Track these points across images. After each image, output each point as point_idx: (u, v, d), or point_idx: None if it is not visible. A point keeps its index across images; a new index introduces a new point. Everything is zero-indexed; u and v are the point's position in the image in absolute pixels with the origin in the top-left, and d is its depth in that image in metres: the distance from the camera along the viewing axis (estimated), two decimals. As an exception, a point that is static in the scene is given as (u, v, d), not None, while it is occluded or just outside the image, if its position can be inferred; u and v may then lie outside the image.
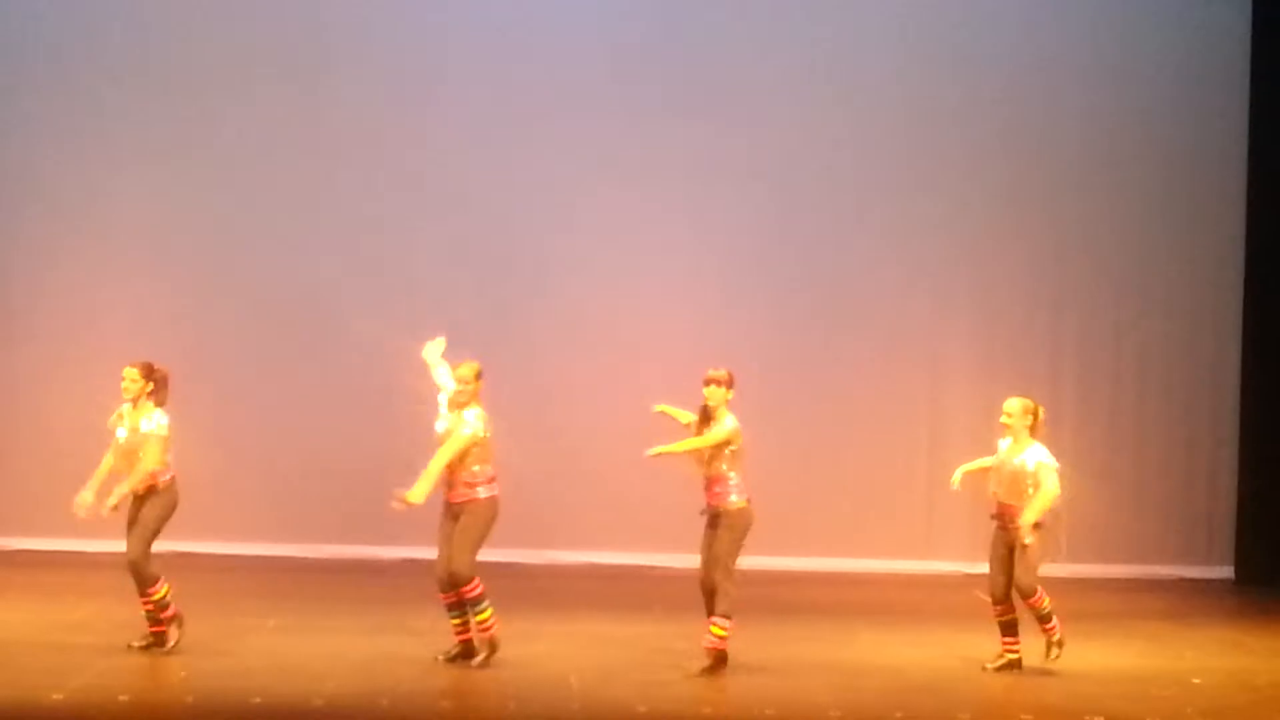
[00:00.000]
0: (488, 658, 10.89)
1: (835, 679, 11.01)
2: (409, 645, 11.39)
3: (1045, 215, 16.81)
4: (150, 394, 11.00)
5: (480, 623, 10.90)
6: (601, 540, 16.24)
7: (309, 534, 16.23)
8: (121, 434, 10.96)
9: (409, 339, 15.93)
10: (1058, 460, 11.22)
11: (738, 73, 16.68)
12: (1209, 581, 16.45)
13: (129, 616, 11.15)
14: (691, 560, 11.21)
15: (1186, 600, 15.29)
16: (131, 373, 11.01)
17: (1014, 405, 11.28)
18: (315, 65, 16.59)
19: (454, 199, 16.60)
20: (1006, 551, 11.19)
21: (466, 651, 10.98)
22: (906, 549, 16.55)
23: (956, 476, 11.49)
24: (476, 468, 10.80)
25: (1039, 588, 11.11)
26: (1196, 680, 11.22)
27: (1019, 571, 11.09)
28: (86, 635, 11.26)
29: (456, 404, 10.89)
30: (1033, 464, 11.12)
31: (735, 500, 10.97)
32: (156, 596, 10.91)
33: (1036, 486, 11.06)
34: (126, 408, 11.01)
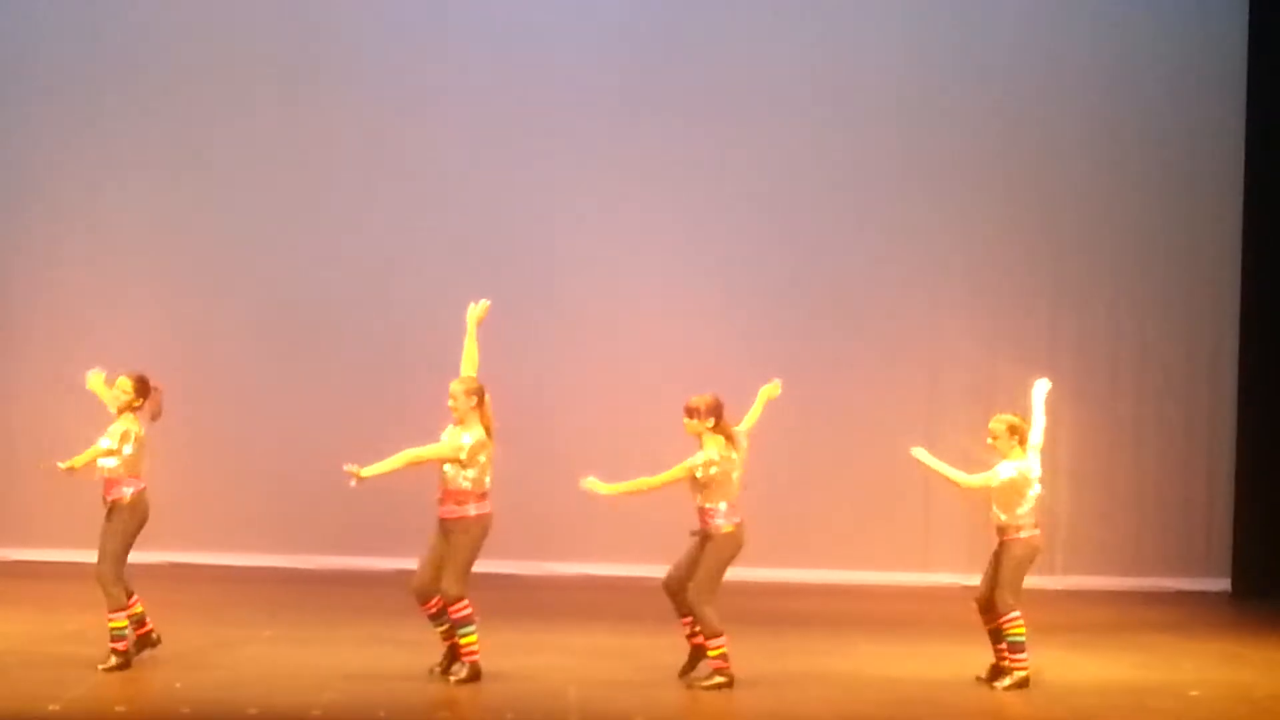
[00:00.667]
0: (467, 678, 10.78)
1: (832, 691, 11.00)
2: (405, 657, 11.37)
3: (1043, 223, 16.80)
4: (135, 406, 10.99)
5: (463, 646, 10.83)
6: (599, 552, 16.22)
7: (305, 545, 16.21)
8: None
9: (406, 348, 16.13)
10: (1051, 471, 11.26)
11: (737, 75, 16.69)
12: (1206, 594, 16.44)
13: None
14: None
15: (1184, 612, 15.27)
16: (125, 383, 11.01)
17: (998, 425, 11.29)
18: (314, 69, 16.60)
19: (453, 204, 16.60)
20: (995, 564, 11.19)
21: (455, 656, 10.95)
22: (904, 561, 16.53)
23: (919, 451, 11.46)
24: (466, 484, 10.77)
25: (1018, 610, 11.07)
26: (1194, 693, 11.21)
27: (999, 587, 11.08)
28: (83, 646, 11.23)
29: (452, 419, 10.85)
30: (1018, 474, 11.12)
31: (722, 525, 10.92)
32: (115, 624, 10.83)
33: (1016, 492, 11.03)
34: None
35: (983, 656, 11.51)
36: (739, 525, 10.93)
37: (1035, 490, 11.18)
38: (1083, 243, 16.82)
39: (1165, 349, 16.86)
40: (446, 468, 10.73)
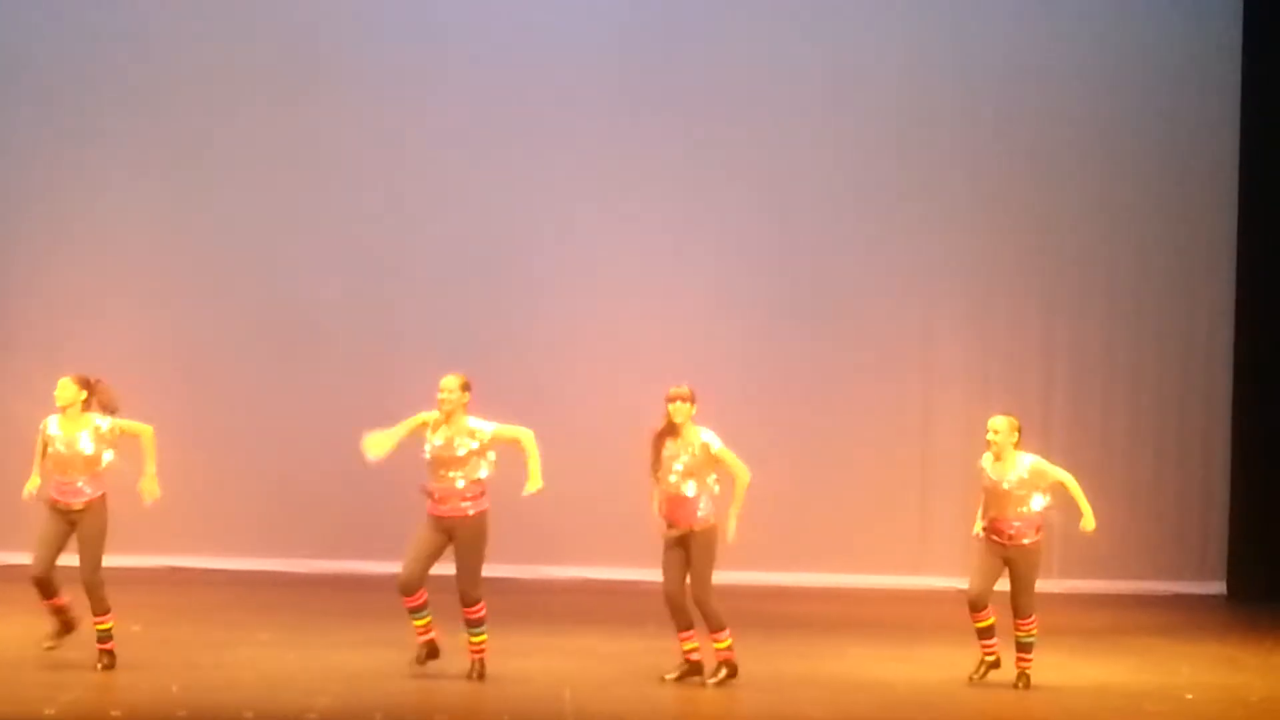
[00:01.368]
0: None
1: (827, 694, 11.00)
2: (402, 659, 11.34)
3: (1038, 226, 16.84)
4: (87, 404, 10.96)
5: (477, 644, 10.90)
6: (595, 556, 16.23)
7: (301, 548, 16.22)
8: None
9: (403, 350, 16.13)
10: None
11: (735, 80, 16.72)
12: (1202, 597, 16.46)
13: (121, 632, 11.11)
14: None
15: (1179, 616, 15.29)
16: (70, 384, 10.98)
17: (1001, 423, 11.24)
18: (311, 72, 16.62)
19: (451, 205, 16.63)
20: (1000, 565, 11.15)
21: (432, 652, 10.95)
22: (899, 564, 16.55)
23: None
24: (461, 483, 10.77)
25: (1035, 613, 11.11)
26: (1189, 696, 11.21)
27: (1025, 591, 11.06)
28: (78, 650, 11.21)
29: (443, 413, 10.83)
30: (1030, 472, 11.09)
31: (710, 517, 10.93)
32: (104, 626, 10.86)
33: (1053, 485, 11.07)
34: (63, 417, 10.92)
35: (976, 659, 11.51)
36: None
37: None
38: (1077, 246, 16.84)
39: (1160, 352, 16.89)
40: (460, 466, 10.71)
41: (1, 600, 13.69)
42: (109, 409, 11.01)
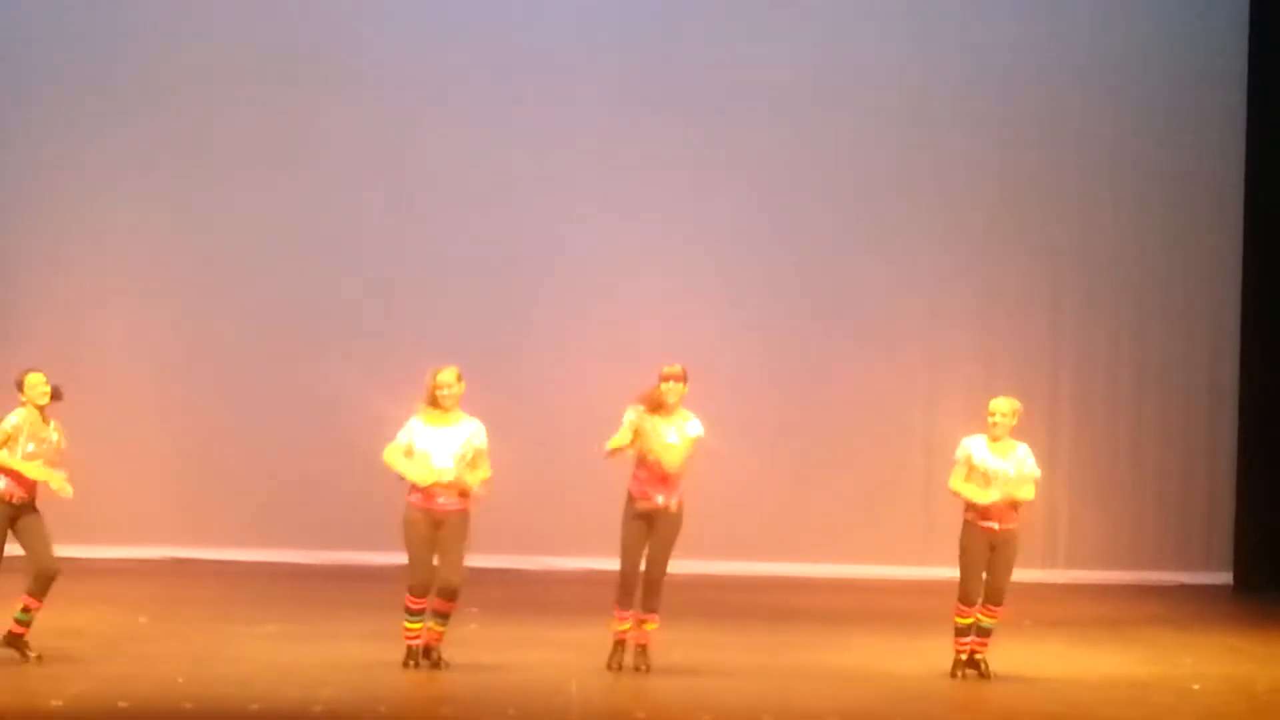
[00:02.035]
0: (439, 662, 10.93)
1: (831, 685, 11.00)
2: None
3: (1043, 220, 16.84)
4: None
5: (440, 633, 10.94)
6: (599, 546, 16.18)
7: (307, 540, 16.24)
8: (32, 443, 10.87)
9: (404, 344, 16.13)
10: (1052, 466, 11.25)
11: (735, 77, 16.71)
12: (1208, 587, 16.46)
13: (126, 622, 11.12)
14: (690, 566, 11.22)
15: (1185, 606, 15.29)
16: (43, 378, 10.91)
17: (1006, 405, 11.19)
18: (314, 73, 16.63)
19: (452, 203, 16.64)
20: (989, 552, 11.11)
21: (428, 652, 10.97)
22: (903, 554, 16.54)
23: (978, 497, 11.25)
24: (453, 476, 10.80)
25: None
26: (1195, 686, 11.21)
27: (1005, 577, 11.06)
28: (83, 642, 11.23)
29: (442, 408, 10.82)
30: (1026, 460, 11.07)
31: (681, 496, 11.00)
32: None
33: (1020, 494, 11.03)
34: (30, 413, 10.89)
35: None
36: None
37: None
38: (1083, 239, 16.83)
39: (1166, 343, 16.88)
40: (457, 462, 10.72)
41: (6, 594, 13.69)
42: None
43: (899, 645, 12.68)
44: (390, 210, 16.63)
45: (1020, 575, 11.43)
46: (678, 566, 11.07)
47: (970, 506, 11.16)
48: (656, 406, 10.96)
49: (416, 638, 10.94)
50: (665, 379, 10.96)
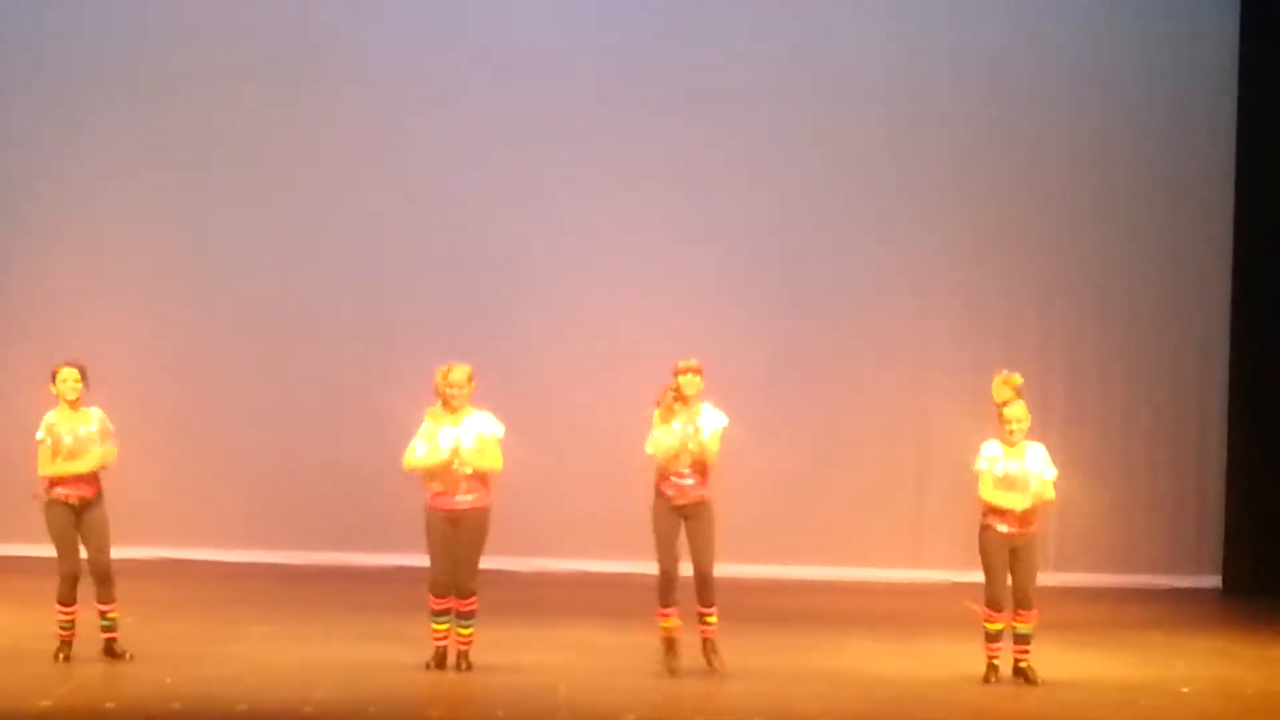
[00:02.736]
0: (470, 665, 10.94)
1: (824, 687, 10.99)
2: (398, 653, 11.37)
3: (1033, 221, 16.82)
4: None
5: (467, 637, 10.95)
6: (590, 548, 16.23)
7: (298, 541, 16.21)
8: (69, 438, 10.88)
9: (397, 344, 16.13)
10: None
11: (724, 76, 16.70)
12: (1197, 591, 16.47)
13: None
14: (681, 568, 11.18)
15: (1174, 609, 15.29)
16: (74, 373, 10.96)
17: (1022, 411, 11.12)
18: (307, 72, 16.61)
19: (443, 204, 16.62)
20: (1010, 556, 11.10)
21: (444, 658, 10.97)
22: (895, 557, 16.54)
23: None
24: (470, 471, 10.82)
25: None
26: (1185, 689, 11.22)
27: (1030, 580, 11.05)
28: (73, 642, 11.20)
29: (451, 407, 10.84)
30: (1050, 473, 11.08)
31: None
32: (115, 615, 10.92)
33: (1046, 494, 11.04)
34: (61, 411, 10.91)
35: (973, 652, 11.51)
36: None
37: None
38: (1072, 242, 16.83)
39: (1155, 347, 16.88)
40: (468, 458, 10.75)
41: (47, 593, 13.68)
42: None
43: (891, 648, 12.67)
44: (387, 209, 16.60)
45: (1011, 578, 11.42)
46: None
47: (988, 511, 11.12)
48: (671, 405, 11.01)
49: (444, 639, 10.95)
50: (683, 372, 11.06)
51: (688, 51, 16.74)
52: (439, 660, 10.94)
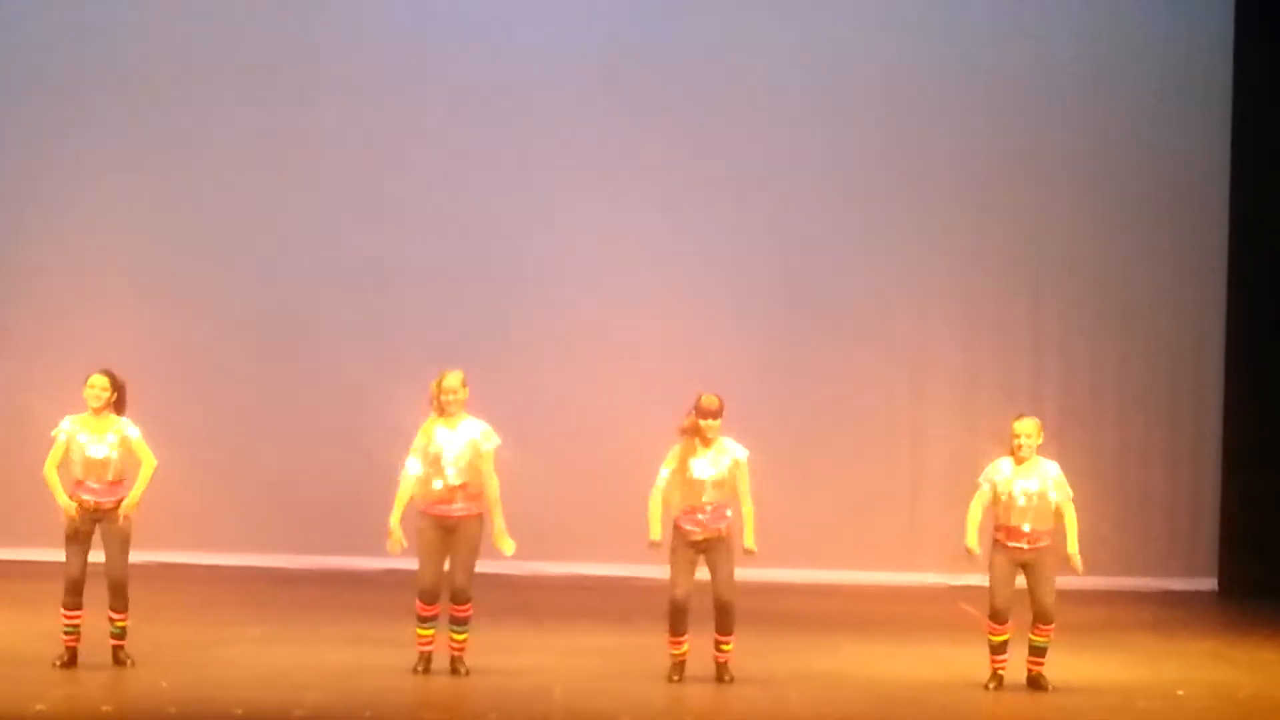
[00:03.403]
0: (467, 671, 10.91)
1: (817, 690, 11.00)
2: (392, 656, 11.35)
3: (1028, 228, 16.81)
4: (114, 404, 10.94)
5: (461, 644, 10.92)
6: (585, 552, 16.22)
7: (291, 544, 16.20)
8: (97, 449, 10.82)
9: (395, 348, 16.13)
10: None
11: (722, 79, 16.70)
12: (1192, 593, 16.46)
13: (109, 627, 11.08)
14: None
15: (1170, 612, 15.29)
16: (102, 381, 10.91)
17: (1030, 425, 11.06)
18: (304, 73, 16.60)
19: (441, 207, 16.61)
20: (1016, 571, 11.04)
21: (429, 663, 10.96)
22: (889, 560, 16.53)
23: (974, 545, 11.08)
24: (463, 480, 10.82)
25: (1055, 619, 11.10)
26: (1180, 692, 11.21)
27: (1048, 593, 10.99)
28: (77, 649, 11.18)
29: (447, 414, 10.83)
30: (1055, 480, 11.04)
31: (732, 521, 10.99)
32: (125, 623, 10.89)
33: (1062, 513, 11.00)
34: (84, 418, 10.87)
35: (969, 655, 11.51)
36: None
37: None
38: (1068, 243, 16.82)
39: (1151, 348, 16.88)
40: (464, 465, 10.75)
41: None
42: (120, 412, 10.98)
43: (885, 651, 12.67)
44: (385, 212, 16.58)
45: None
46: (663, 572, 11.04)
47: (997, 528, 11.07)
48: (694, 444, 10.88)
49: (429, 644, 10.93)
50: (704, 415, 10.86)
51: (685, 57, 16.73)
52: (425, 665, 10.93)
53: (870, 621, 14.24)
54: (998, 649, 11.12)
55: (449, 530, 10.83)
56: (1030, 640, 11.13)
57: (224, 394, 16.37)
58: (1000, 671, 11.12)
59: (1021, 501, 10.98)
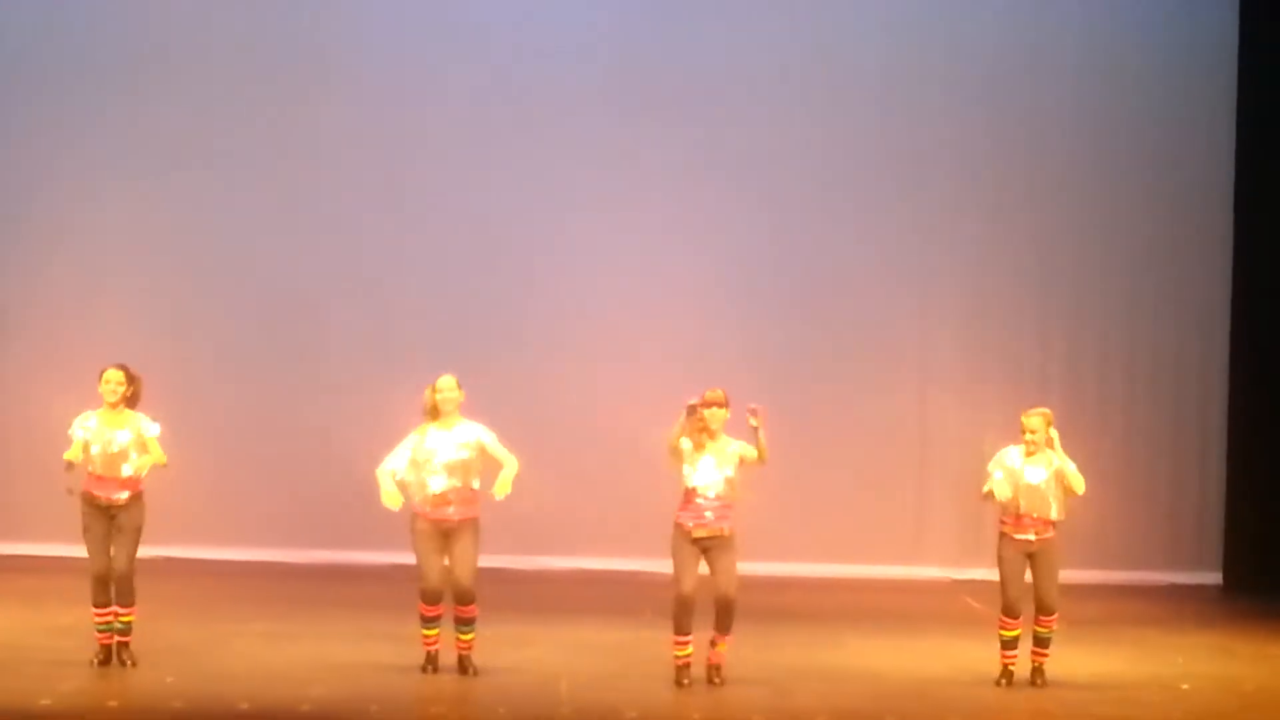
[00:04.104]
0: (476, 670, 10.90)
1: (823, 685, 11.01)
2: (397, 651, 11.36)
3: (1033, 222, 16.81)
4: (129, 398, 10.93)
5: (467, 641, 10.91)
6: (592, 546, 16.23)
7: (297, 539, 16.21)
8: (112, 444, 10.80)
9: (398, 344, 16.14)
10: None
11: (725, 79, 16.69)
12: (1197, 587, 16.45)
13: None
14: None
15: (1175, 606, 15.30)
16: (117, 375, 10.91)
17: (1038, 420, 11.02)
18: (306, 70, 16.59)
19: (446, 202, 16.61)
20: (1026, 562, 11.02)
21: (436, 661, 10.97)
22: (895, 554, 16.53)
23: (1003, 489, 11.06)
24: (476, 483, 10.83)
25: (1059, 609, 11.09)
26: (1185, 686, 11.23)
27: (1052, 585, 10.98)
28: (74, 641, 11.22)
29: (443, 414, 10.82)
30: (1064, 469, 11.00)
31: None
32: (131, 619, 10.87)
33: (1070, 491, 10.98)
34: (100, 413, 10.88)
35: (973, 649, 11.52)
36: None
37: None
38: (1073, 239, 16.81)
39: (1156, 343, 16.87)
40: (462, 469, 10.76)
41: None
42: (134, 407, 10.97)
43: (890, 645, 12.68)
44: (387, 211, 16.59)
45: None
46: (669, 566, 11.04)
47: (1004, 519, 11.08)
48: (701, 442, 10.77)
49: (434, 644, 10.93)
50: (708, 405, 10.74)
51: (686, 53, 16.71)
52: (433, 665, 10.93)
53: (875, 616, 14.24)
54: (1009, 644, 11.11)
55: (445, 534, 10.83)
56: (1034, 631, 11.14)
57: (231, 390, 16.38)
58: (1011, 667, 11.13)
59: (1029, 490, 10.97)
